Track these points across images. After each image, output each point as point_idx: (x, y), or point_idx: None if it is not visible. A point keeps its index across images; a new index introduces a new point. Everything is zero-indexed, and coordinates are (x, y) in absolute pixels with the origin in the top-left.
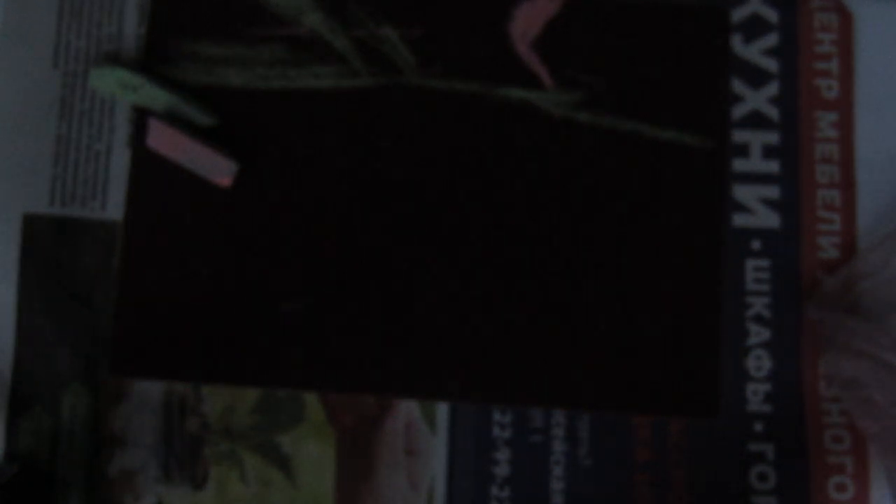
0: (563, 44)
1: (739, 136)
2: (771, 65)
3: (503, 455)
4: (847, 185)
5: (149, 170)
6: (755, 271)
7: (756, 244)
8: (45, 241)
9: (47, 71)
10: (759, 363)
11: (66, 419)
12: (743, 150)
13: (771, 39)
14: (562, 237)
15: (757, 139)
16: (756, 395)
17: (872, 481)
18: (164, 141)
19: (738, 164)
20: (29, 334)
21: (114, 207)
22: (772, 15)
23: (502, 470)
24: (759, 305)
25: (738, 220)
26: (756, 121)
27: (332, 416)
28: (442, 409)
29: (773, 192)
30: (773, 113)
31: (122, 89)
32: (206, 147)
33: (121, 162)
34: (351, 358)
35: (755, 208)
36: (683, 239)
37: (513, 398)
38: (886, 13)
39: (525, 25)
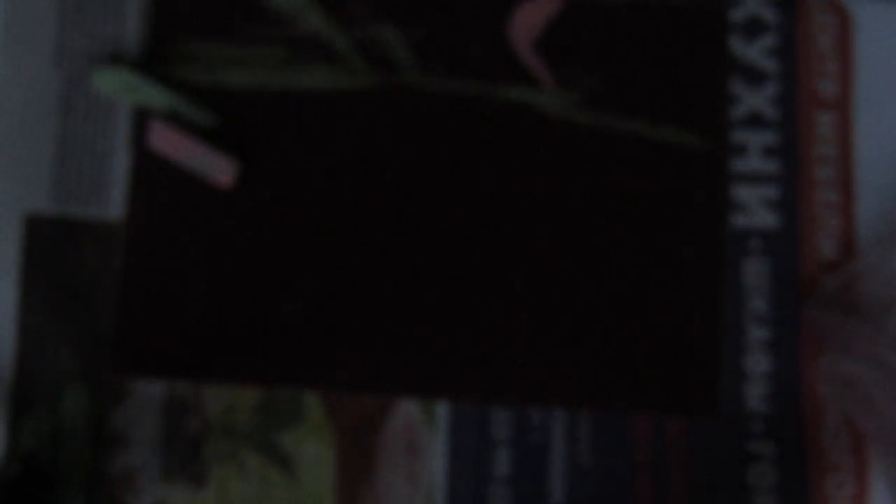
0: (563, 44)
1: (738, 136)
2: (770, 65)
3: (503, 455)
4: (846, 184)
5: (150, 170)
6: (754, 271)
7: (755, 244)
8: (46, 240)
9: (49, 71)
10: (758, 363)
11: (67, 419)
12: (742, 150)
13: (770, 40)
14: (561, 237)
15: (756, 139)
16: (755, 394)
17: (871, 480)
18: (165, 141)
19: (737, 164)
20: (30, 334)
21: (115, 207)
22: (770, 15)
23: (502, 470)
24: (758, 305)
25: (737, 220)
26: (755, 121)
27: (332, 416)
28: (442, 409)
29: (772, 192)
30: (772, 113)
31: (123, 90)
32: (206, 147)
33: (122, 162)
34: (351, 358)
35: (754, 208)
36: (683, 239)
37: (513, 398)
38: (886, 13)
39: (525, 25)
